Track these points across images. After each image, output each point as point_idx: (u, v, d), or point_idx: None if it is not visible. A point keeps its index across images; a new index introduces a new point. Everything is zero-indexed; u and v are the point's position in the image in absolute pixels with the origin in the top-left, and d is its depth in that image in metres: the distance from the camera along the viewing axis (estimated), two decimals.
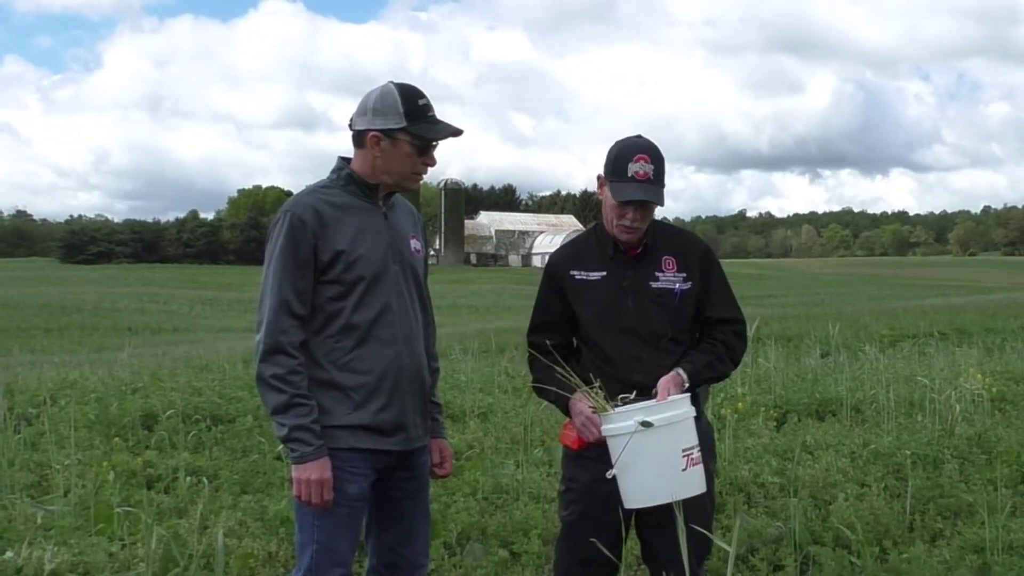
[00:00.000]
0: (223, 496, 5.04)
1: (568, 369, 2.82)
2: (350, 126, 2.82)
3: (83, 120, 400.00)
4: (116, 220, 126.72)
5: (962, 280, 66.21)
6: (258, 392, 2.78)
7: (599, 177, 2.96)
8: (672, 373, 2.83)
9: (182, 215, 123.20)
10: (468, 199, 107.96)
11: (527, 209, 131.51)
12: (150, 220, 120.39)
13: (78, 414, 6.87)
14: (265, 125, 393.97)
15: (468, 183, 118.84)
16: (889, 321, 18.77)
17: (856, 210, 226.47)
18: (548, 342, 2.97)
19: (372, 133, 2.75)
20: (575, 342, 3.05)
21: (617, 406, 2.76)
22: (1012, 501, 4.64)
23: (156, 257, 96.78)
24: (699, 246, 3.04)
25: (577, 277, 2.97)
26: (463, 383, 9.15)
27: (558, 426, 3.09)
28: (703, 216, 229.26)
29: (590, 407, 2.80)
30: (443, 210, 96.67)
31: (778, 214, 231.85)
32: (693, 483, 2.71)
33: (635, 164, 2.84)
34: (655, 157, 2.87)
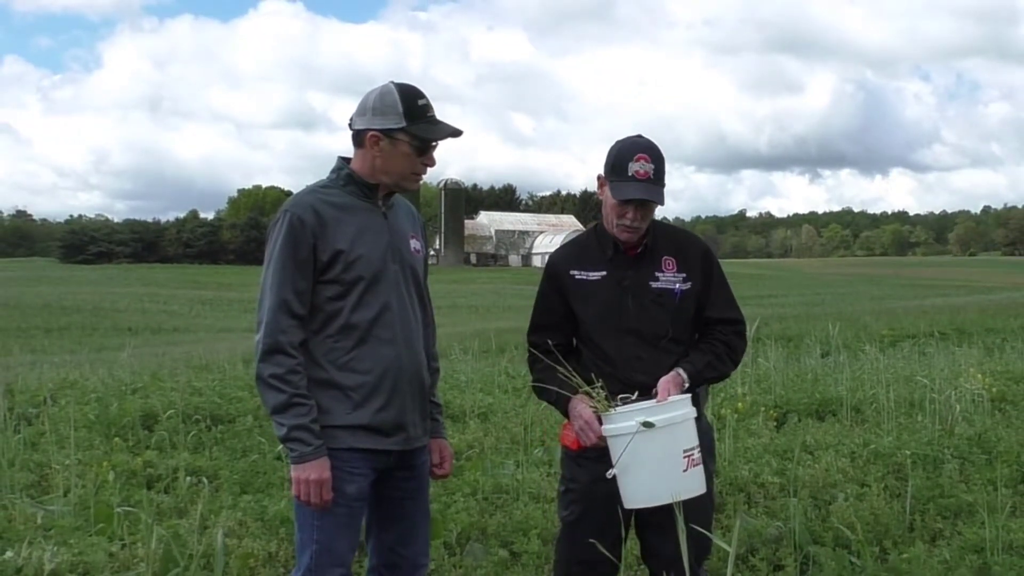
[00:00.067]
0: (223, 496, 5.04)
1: (570, 369, 2.82)
2: (350, 126, 2.82)
3: (83, 120, 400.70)
4: (116, 220, 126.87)
5: (962, 280, 66.22)
6: (258, 392, 2.78)
7: (599, 177, 2.96)
8: (672, 373, 2.83)
9: (182, 215, 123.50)
10: (468, 199, 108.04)
11: (527, 209, 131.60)
12: (150, 220, 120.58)
13: (78, 414, 6.87)
14: (265, 125, 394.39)
15: (468, 183, 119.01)
16: (889, 321, 18.78)
17: (856, 210, 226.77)
18: (549, 342, 2.97)
19: (371, 133, 2.75)
20: (575, 342, 3.05)
21: (617, 406, 2.76)
22: (1012, 501, 4.64)
23: (156, 257, 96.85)
24: (699, 246, 3.04)
25: (577, 277, 2.97)
26: (463, 383, 9.16)
27: (558, 426, 3.09)
28: (703, 216, 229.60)
29: (591, 407, 2.80)
30: (443, 210, 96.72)
31: (778, 214, 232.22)
32: (693, 484, 2.71)
33: (635, 163, 2.84)
34: (655, 156, 2.87)
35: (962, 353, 10.87)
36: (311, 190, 2.82)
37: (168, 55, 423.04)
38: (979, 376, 7.68)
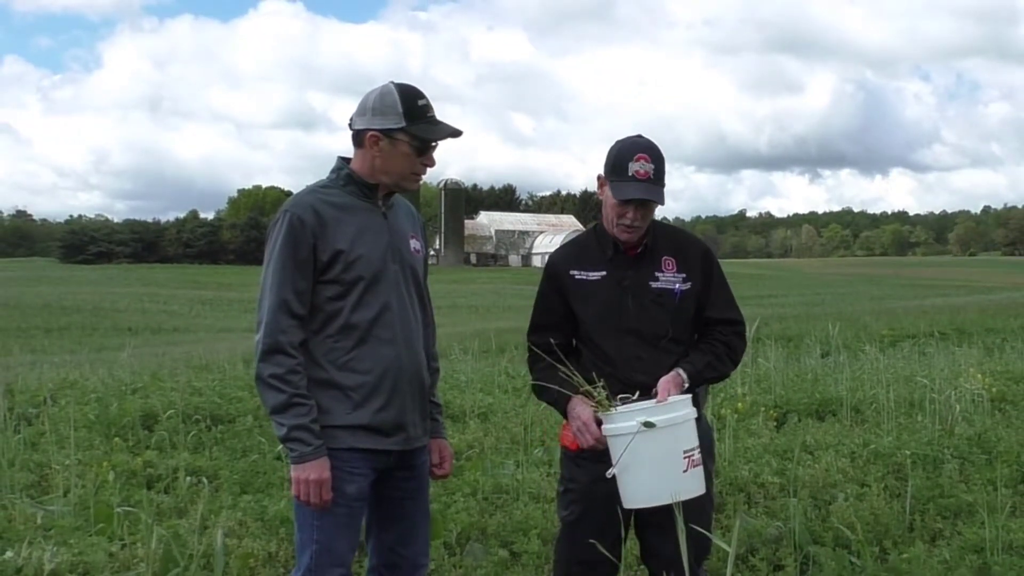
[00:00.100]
0: (223, 496, 5.04)
1: (571, 367, 2.82)
2: (350, 126, 2.82)
3: (83, 120, 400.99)
4: (116, 220, 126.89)
5: (962, 280, 66.21)
6: (257, 392, 2.78)
7: (599, 177, 2.96)
8: (672, 373, 2.83)
9: (182, 215, 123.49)
10: (468, 199, 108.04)
11: (527, 209, 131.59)
12: (150, 220, 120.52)
13: (78, 414, 6.87)
14: (265, 125, 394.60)
15: (468, 183, 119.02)
16: (889, 321, 18.78)
17: (856, 210, 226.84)
18: (550, 341, 2.97)
19: (371, 133, 2.75)
20: (574, 342, 3.05)
21: (618, 406, 2.76)
22: (1012, 501, 4.64)
23: (156, 257, 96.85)
24: (699, 246, 3.04)
25: (577, 277, 2.97)
26: (463, 383, 9.16)
27: (558, 426, 3.09)
28: (703, 216, 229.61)
29: (591, 406, 2.80)
30: (443, 210, 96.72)
31: (778, 214, 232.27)
32: (693, 484, 2.71)
33: (635, 163, 2.84)
34: (655, 156, 2.87)
35: (962, 353, 10.87)
36: (311, 190, 2.82)
37: (168, 55, 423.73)
38: (979, 376, 7.68)
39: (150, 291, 52.47)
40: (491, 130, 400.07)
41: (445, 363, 10.09)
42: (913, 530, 4.46)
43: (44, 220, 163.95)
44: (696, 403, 2.85)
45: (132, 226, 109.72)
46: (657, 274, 2.93)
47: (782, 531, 4.24)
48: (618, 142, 2.93)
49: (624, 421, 2.70)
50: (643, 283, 2.92)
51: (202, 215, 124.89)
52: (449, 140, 2.82)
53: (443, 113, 2.82)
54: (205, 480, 5.28)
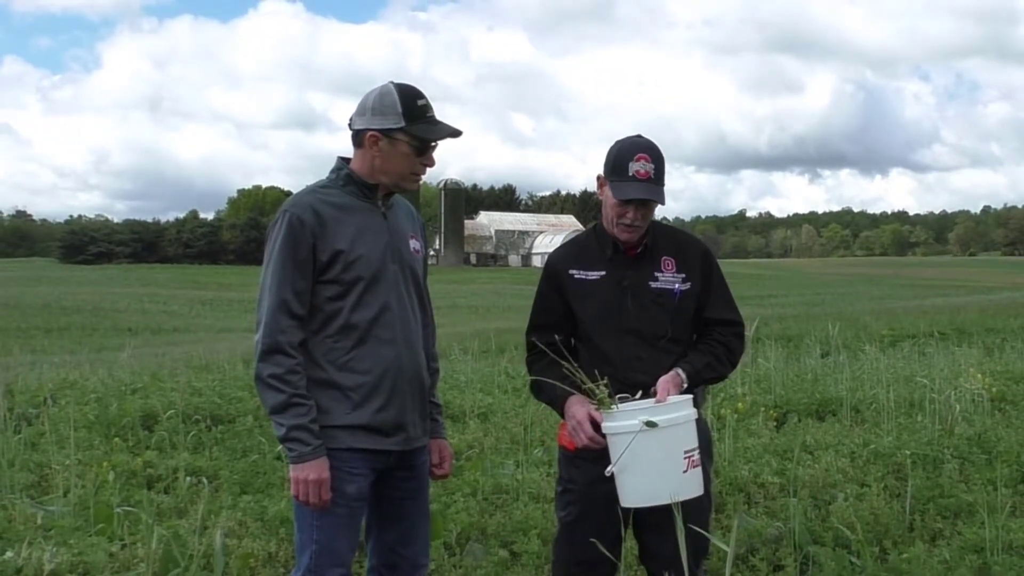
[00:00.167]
0: (223, 496, 5.04)
1: (574, 364, 2.81)
2: (349, 126, 2.82)
3: (83, 120, 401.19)
4: (116, 220, 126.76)
5: (962, 280, 66.21)
6: (257, 392, 2.78)
7: (599, 177, 2.95)
8: (671, 373, 2.83)
9: (182, 215, 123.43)
10: (468, 199, 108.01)
11: (527, 209, 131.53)
12: (150, 220, 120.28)
13: (78, 414, 6.87)
14: (265, 125, 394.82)
15: (468, 183, 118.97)
16: (889, 321, 18.77)
17: (856, 210, 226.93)
18: (549, 340, 2.96)
19: (371, 133, 2.75)
20: (573, 342, 3.04)
21: (618, 405, 2.76)
22: (1012, 501, 4.64)
23: (156, 257, 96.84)
24: (698, 247, 3.04)
25: (576, 276, 2.97)
26: (463, 383, 9.15)
27: (558, 426, 3.09)
28: (703, 216, 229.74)
29: (592, 404, 2.79)
30: (443, 210, 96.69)
31: (778, 214, 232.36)
32: (692, 485, 2.71)
33: (636, 163, 2.84)
34: (655, 156, 2.87)
35: (962, 353, 10.87)
36: (311, 190, 2.82)
37: (168, 55, 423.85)
38: (979, 376, 7.68)
39: (150, 291, 52.46)
40: (491, 130, 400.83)
41: (445, 363, 10.09)
42: (913, 530, 4.45)
43: (44, 220, 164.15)
44: (695, 403, 2.85)
45: (132, 226, 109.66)
46: (656, 274, 2.93)
47: (782, 531, 4.24)
48: (618, 142, 2.93)
49: (625, 420, 2.69)
50: (642, 283, 2.92)
51: (202, 215, 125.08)
52: (449, 140, 2.82)
53: (443, 113, 2.82)
54: (205, 480, 5.28)
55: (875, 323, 18.13)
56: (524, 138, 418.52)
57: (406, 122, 2.73)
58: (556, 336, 2.97)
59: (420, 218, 3.09)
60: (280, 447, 4.96)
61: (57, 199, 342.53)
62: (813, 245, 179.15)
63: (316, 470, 2.66)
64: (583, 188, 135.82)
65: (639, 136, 2.94)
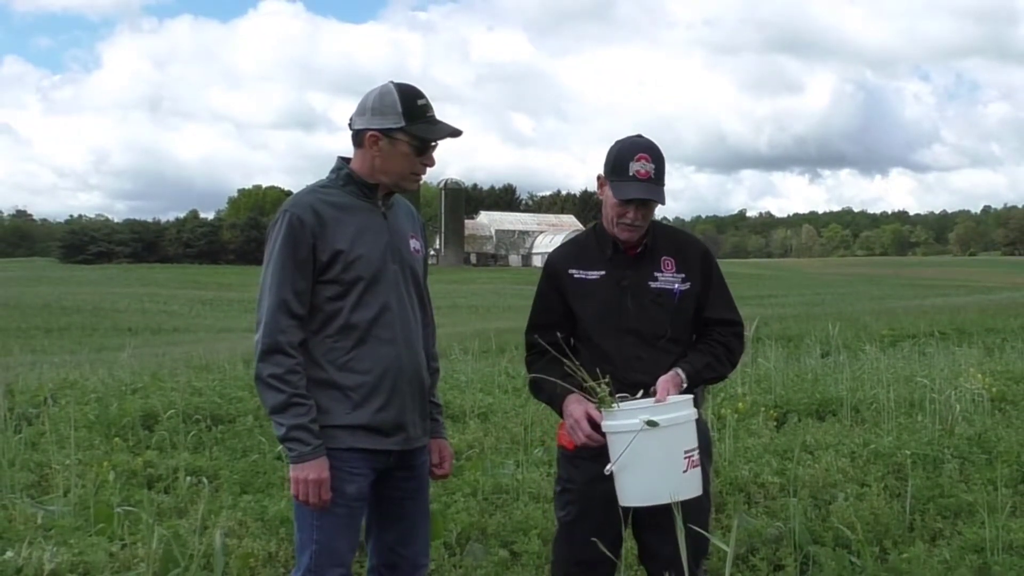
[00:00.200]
0: (223, 496, 5.04)
1: (576, 363, 2.81)
2: (349, 126, 2.82)
3: (83, 120, 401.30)
4: (116, 220, 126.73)
5: (962, 280, 66.20)
6: (257, 391, 2.78)
7: (599, 177, 2.96)
8: (671, 373, 2.83)
9: (182, 215, 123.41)
10: (468, 199, 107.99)
11: (527, 209, 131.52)
12: (150, 220, 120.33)
13: (78, 414, 6.87)
14: (265, 125, 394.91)
15: (468, 183, 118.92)
16: (889, 321, 18.77)
17: (856, 210, 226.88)
18: (551, 338, 2.96)
19: (371, 133, 2.75)
20: (572, 341, 3.04)
21: (618, 404, 2.75)
22: (1012, 501, 4.64)
23: (156, 257, 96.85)
24: (698, 247, 3.05)
25: (576, 276, 2.97)
26: (463, 383, 9.15)
27: (557, 426, 3.08)
28: (703, 216, 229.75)
29: (593, 402, 2.79)
30: (443, 210, 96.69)
31: (778, 214, 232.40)
32: (692, 485, 2.71)
33: (636, 163, 2.84)
34: (656, 156, 2.87)
35: (962, 353, 10.86)
36: (311, 190, 2.82)
37: (168, 55, 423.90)
38: (979, 376, 7.68)
39: (150, 291, 52.46)
40: (491, 130, 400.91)
41: (445, 363, 10.09)
42: (913, 530, 4.45)
43: (44, 220, 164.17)
44: (695, 404, 2.84)
45: (132, 226, 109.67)
46: (656, 274, 2.93)
47: (782, 531, 4.24)
48: (618, 142, 2.93)
49: (626, 419, 2.69)
50: (642, 283, 2.92)
51: (202, 215, 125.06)
52: (449, 140, 2.82)
53: (443, 113, 2.82)
54: (205, 480, 5.28)
55: (875, 323, 18.13)
56: (524, 138, 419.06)
57: (406, 122, 2.73)
58: (556, 335, 2.97)
59: (420, 218, 3.09)
60: (280, 447, 4.97)
61: (57, 199, 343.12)
62: (813, 245, 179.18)
63: (316, 470, 2.66)
64: (583, 188, 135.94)
65: (639, 136, 2.94)
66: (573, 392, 2.83)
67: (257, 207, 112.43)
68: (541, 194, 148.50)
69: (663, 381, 2.78)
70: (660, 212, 3.01)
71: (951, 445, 5.61)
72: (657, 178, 2.86)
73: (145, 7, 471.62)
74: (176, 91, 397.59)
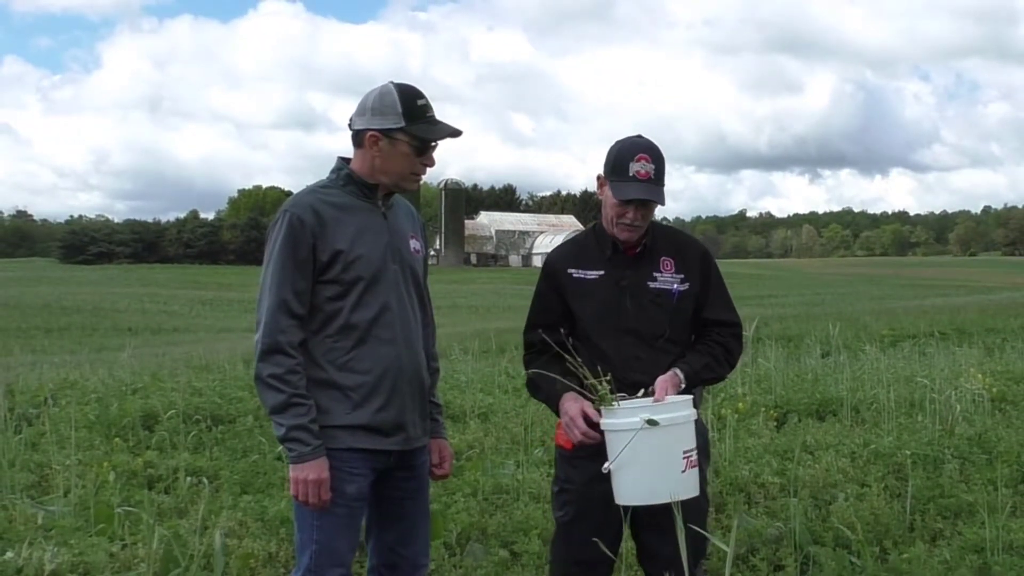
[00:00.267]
0: (223, 496, 5.04)
1: (578, 360, 2.81)
2: (349, 126, 2.82)
3: (83, 120, 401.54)
4: (116, 220, 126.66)
5: (962, 280, 66.17)
6: (257, 392, 2.78)
7: (599, 177, 2.96)
8: (670, 373, 2.82)
9: (182, 215, 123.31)
10: (468, 199, 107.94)
11: (527, 209, 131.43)
12: (150, 220, 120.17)
13: (78, 414, 6.87)
14: (265, 125, 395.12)
15: (468, 183, 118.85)
16: (889, 321, 18.76)
17: (856, 210, 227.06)
18: (554, 336, 2.95)
19: (371, 133, 2.75)
20: (570, 341, 3.03)
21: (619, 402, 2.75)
22: (1012, 501, 4.64)
23: (156, 257, 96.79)
24: (698, 248, 3.05)
25: (575, 276, 2.97)
26: (463, 383, 9.15)
27: (555, 426, 3.08)
28: (703, 216, 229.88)
29: (592, 400, 2.78)
30: (443, 210, 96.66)
31: (778, 214, 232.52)
32: (689, 485, 2.70)
33: (636, 163, 2.84)
34: (656, 156, 2.87)
35: (962, 353, 10.86)
36: (311, 190, 2.82)
37: (168, 55, 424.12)
38: (979, 376, 7.68)
39: (150, 291, 52.44)
40: (491, 130, 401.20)
41: (445, 363, 10.09)
42: (913, 530, 4.45)
43: (44, 220, 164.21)
44: (694, 404, 2.84)
45: (132, 226, 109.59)
46: (655, 274, 2.93)
47: (782, 531, 4.24)
48: (618, 142, 2.93)
49: (626, 417, 2.69)
50: (641, 283, 2.92)
51: (202, 215, 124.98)
52: (449, 140, 2.82)
53: (443, 113, 2.82)
54: (205, 480, 5.28)
55: (875, 323, 18.13)
56: (524, 138, 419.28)
57: (406, 122, 2.73)
58: (554, 335, 2.96)
59: (420, 218, 3.09)
60: (280, 447, 4.98)
61: (57, 199, 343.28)
62: (813, 245, 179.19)
63: (316, 470, 2.66)
64: (583, 188, 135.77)
65: (639, 136, 2.94)
66: (570, 390, 2.83)
67: (257, 207, 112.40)
68: (541, 194, 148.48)
69: (661, 381, 2.78)
70: (660, 212, 3.01)
71: (951, 445, 5.61)
72: (657, 178, 2.86)
73: (145, 7, 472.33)
74: (176, 91, 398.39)
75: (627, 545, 3.09)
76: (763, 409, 7.06)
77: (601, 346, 2.91)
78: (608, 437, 2.72)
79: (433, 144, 2.81)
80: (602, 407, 2.74)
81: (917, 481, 4.86)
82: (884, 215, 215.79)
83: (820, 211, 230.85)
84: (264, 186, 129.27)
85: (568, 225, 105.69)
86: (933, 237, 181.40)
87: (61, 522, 4.40)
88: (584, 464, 2.88)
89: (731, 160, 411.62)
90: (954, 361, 9.80)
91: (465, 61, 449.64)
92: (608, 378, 2.73)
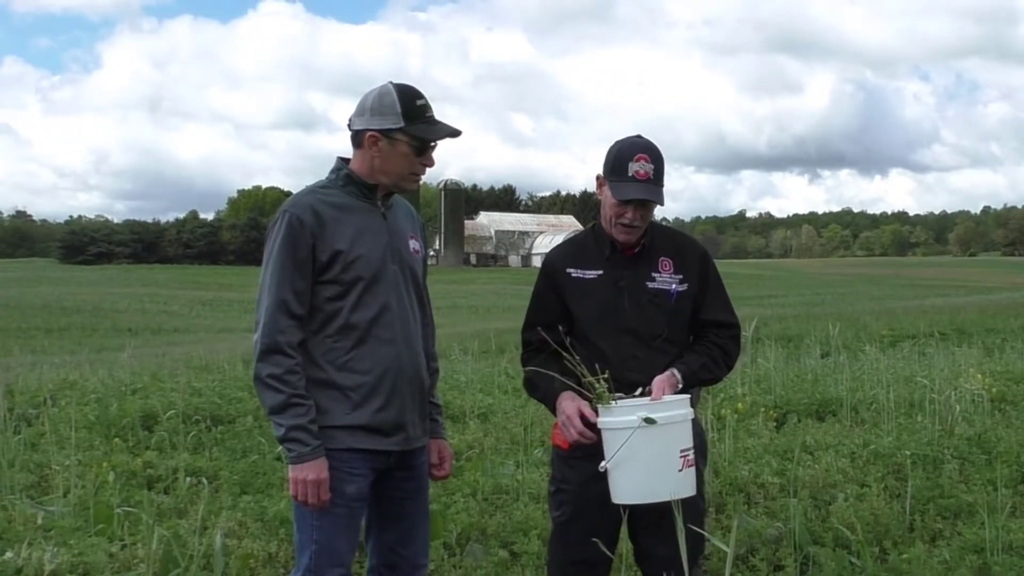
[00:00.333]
0: (223, 497, 5.04)
1: (576, 358, 2.81)
2: (349, 126, 2.82)
3: (83, 120, 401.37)
4: (116, 220, 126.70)
5: (962, 280, 66.19)
6: (256, 392, 2.78)
7: (598, 177, 2.96)
8: (667, 373, 2.82)
9: (182, 215, 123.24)
10: (468, 199, 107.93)
11: (527, 209, 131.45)
12: (150, 220, 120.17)
13: (78, 415, 6.87)
14: (265, 125, 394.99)
15: (468, 183, 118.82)
16: (889, 321, 18.76)
17: (856, 210, 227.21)
18: (554, 335, 2.95)
19: (370, 133, 2.75)
20: (568, 341, 3.03)
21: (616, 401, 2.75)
22: (1012, 501, 4.64)
23: (156, 258, 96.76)
24: (697, 249, 3.04)
25: (574, 275, 2.97)
26: (463, 383, 9.16)
27: (551, 426, 3.08)
28: (703, 216, 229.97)
29: (591, 398, 2.78)
30: (443, 210, 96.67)
31: (778, 214, 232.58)
32: (686, 484, 2.70)
33: (635, 163, 2.84)
34: (655, 157, 2.87)
35: (962, 353, 10.86)
36: (310, 190, 2.82)
37: (168, 55, 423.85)
38: (979, 376, 7.68)
39: (150, 292, 52.44)
40: (491, 130, 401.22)
41: (445, 363, 10.09)
42: (913, 530, 4.45)
43: (44, 221, 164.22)
44: (691, 404, 2.84)
45: (132, 227, 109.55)
46: (654, 274, 2.93)
47: (782, 531, 4.24)
48: (617, 142, 2.93)
49: (623, 416, 2.69)
50: (640, 283, 2.92)
51: (202, 215, 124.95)
52: (448, 140, 2.82)
53: (442, 113, 2.82)
54: (205, 481, 5.28)
55: (875, 323, 18.13)
56: (524, 138, 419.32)
57: (405, 122, 2.73)
58: (553, 334, 2.96)
59: (420, 218, 3.09)
60: (279, 447, 4.97)
61: (57, 199, 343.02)
62: (813, 245, 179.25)
63: (315, 470, 2.66)
64: (583, 188, 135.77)
65: (639, 136, 2.94)
66: (568, 389, 2.83)
67: (257, 207, 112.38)
68: (541, 194, 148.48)
69: (659, 381, 2.78)
70: (659, 213, 3.01)
71: (951, 445, 5.61)
72: (656, 179, 2.86)
73: (145, 7, 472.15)
74: (176, 91, 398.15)
75: (626, 545, 3.08)
76: (763, 409, 7.06)
77: (599, 346, 2.91)
78: (605, 435, 2.72)
79: (432, 144, 2.81)
80: (599, 405, 2.73)
81: (917, 481, 4.86)
82: (884, 215, 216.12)
83: (820, 211, 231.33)
84: (264, 186, 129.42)
85: (568, 225, 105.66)
86: (933, 237, 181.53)
87: (61, 522, 4.40)
88: (581, 464, 2.87)
89: (731, 160, 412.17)
90: (954, 361, 9.80)
91: (465, 61, 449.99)
92: (606, 376, 2.73)
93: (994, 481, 4.83)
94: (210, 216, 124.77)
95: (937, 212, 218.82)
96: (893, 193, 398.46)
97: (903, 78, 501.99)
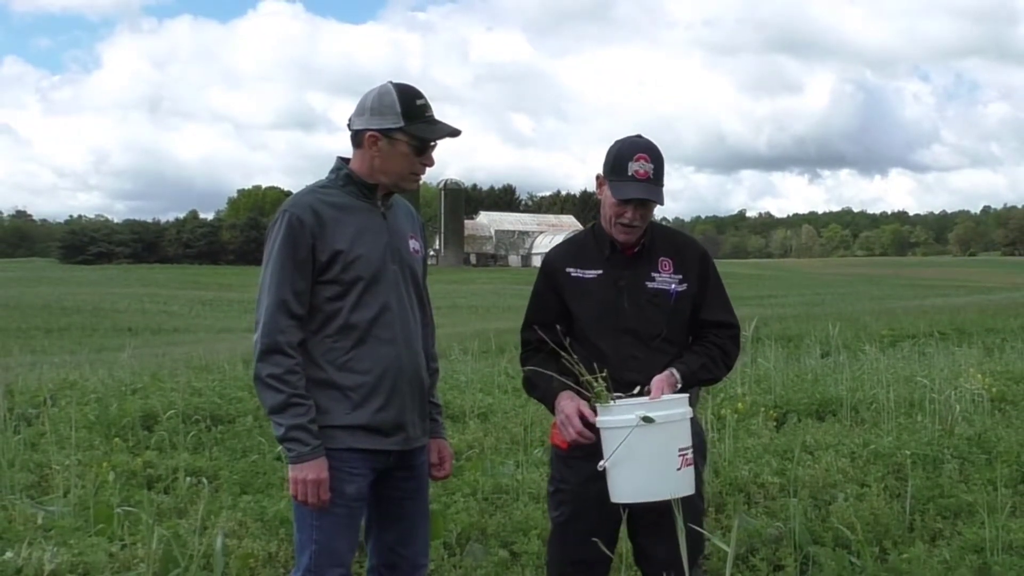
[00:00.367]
0: (223, 496, 5.04)
1: (574, 357, 2.81)
2: (349, 126, 2.82)
3: (83, 120, 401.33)
4: (116, 220, 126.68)
5: (962, 280, 66.16)
6: (256, 392, 2.78)
7: (598, 177, 2.96)
8: (666, 372, 2.82)
9: (182, 215, 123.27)
10: (468, 199, 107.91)
11: (527, 209, 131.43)
12: (150, 220, 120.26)
13: (78, 415, 6.87)
14: (265, 125, 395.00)
15: (468, 183, 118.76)
16: (889, 321, 18.76)
17: (856, 210, 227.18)
18: (546, 334, 2.95)
19: (370, 133, 2.75)
20: (567, 340, 3.03)
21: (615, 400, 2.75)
22: (1012, 501, 4.64)
23: (156, 257, 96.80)
24: (697, 249, 3.04)
25: (573, 275, 2.97)
26: (463, 383, 9.16)
27: (550, 425, 3.07)
28: (703, 216, 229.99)
29: (589, 397, 2.78)
30: (443, 210, 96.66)
31: (778, 214, 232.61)
32: (685, 483, 2.70)
33: (635, 163, 2.84)
34: (655, 156, 2.87)
35: (962, 353, 10.86)
36: (310, 190, 2.82)
37: (167, 55, 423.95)
38: (979, 376, 7.68)
39: (150, 291, 52.43)
40: (490, 130, 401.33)
41: (445, 363, 10.09)
42: (913, 530, 4.45)
43: (44, 220, 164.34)
44: (690, 403, 2.84)
45: (132, 226, 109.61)
46: (653, 274, 2.93)
47: (782, 531, 4.24)
48: (617, 142, 2.93)
49: (622, 414, 2.69)
50: (639, 283, 2.92)
51: (202, 215, 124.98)
52: (448, 140, 2.82)
53: (442, 113, 2.82)
54: (205, 480, 5.28)
55: (875, 323, 18.12)
56: (524, 138, 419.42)
57: (405, 122, 2.73)
58: (552, 333, 2.96)
59: (420, 218, 3.09)
60: (279, 447, 4.97)
61: (57, 199, 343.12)
62: (813, 245, 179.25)
63: (315, 470, 2.66)
64: (583, 188, 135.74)
65: (639, 136, 2.94)
66: (566, 388, 2.83)
67: (257, 207, 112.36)
68: (541, 194, 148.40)
69: (657, 380, 2.78)
70: (659, 212, 3.01)
71: (951, 445, 5.61)
72: (656, 178, 2.86)
73: (145, 7, 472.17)
74: (176, 91, 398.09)
75: (625, 545, 3.08)
76: (763, 409, 7.06)
77: (599, 345, 2.91)
78: (604, 434, 2.72)
79: (432, 144, 2.81)
80: (598, 404, 2.73)
81: (917, 481, 4.86)
82: (884, 215, 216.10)
83: (820, 211, 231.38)
84: (264, 186, 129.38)
85: (568, 225, 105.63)
86: (933, 237, 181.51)
87: (61, 522, 4.40)
88: (579, 464, 2.87)
89: (731, 160, 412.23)
90: (954, 361, 9.81)
91: (464, 61, 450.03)
92: (604, 374, 2.73)
93: (994, 481, 4.83)
94: (210, 216, 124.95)
95: (937, 212, 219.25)
96: (893, 193, 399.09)
97: (903, 78, 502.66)
